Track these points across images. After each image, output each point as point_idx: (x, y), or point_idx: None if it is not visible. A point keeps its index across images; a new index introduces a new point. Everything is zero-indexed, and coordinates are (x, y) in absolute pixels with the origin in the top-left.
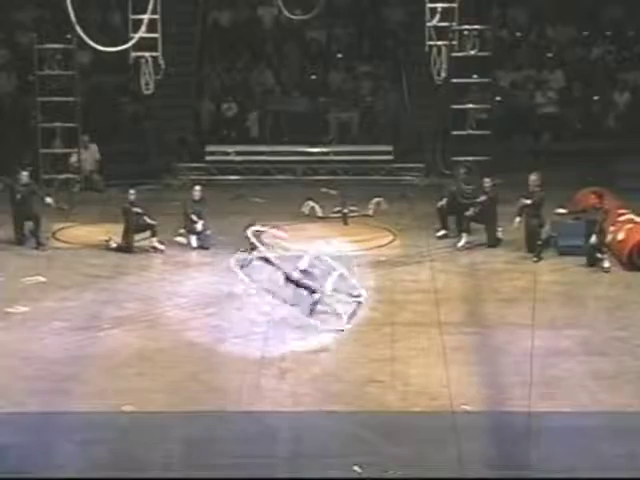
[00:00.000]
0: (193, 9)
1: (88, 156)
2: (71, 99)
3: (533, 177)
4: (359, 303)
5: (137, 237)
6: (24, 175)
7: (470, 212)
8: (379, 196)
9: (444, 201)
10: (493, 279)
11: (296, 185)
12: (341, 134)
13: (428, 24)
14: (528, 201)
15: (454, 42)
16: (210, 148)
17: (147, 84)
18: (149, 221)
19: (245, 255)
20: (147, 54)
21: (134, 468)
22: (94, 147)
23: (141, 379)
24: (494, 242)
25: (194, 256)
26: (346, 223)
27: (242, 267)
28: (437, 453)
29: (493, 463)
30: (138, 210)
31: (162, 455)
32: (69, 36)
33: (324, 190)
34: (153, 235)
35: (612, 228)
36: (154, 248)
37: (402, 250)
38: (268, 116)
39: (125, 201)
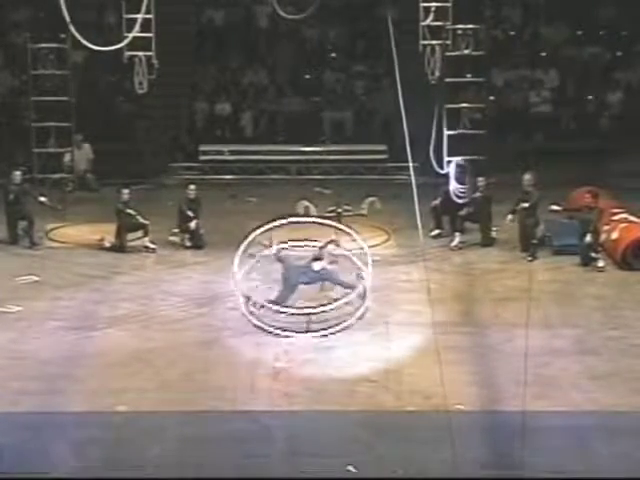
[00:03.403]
0: (187, 9)
1: (81, 156)
2: (65, 98)
3: (527, 177)
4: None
5: (130, 236)
6: (17, 175)
7: (464, 211)
8: (373, 195)
9: (438, 200)
10: (487, 278)
11: (290, 184)
12: (335, 133)
13: (422, 23)
14: (526, 204)
15: (448, 41)
16: (204, 147)
17: (141, 83)
18: (142, 221)
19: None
20: (141, 53)
21: (128, 468)
22: (87, 146)
23: (135, 379)
24: (488, 241)
25: (188, 255)
26: (340, 222)
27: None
28: (431, 452)
29: (487, 462)
30: (131, 211)
31: (156, 455)
32: (63, 35)
33: (318, 189)
34: (145, 235)
35: (606, 227)
36: (146, 247)
37: (396, 249)
38: (262, 115)
39: (118, 201)
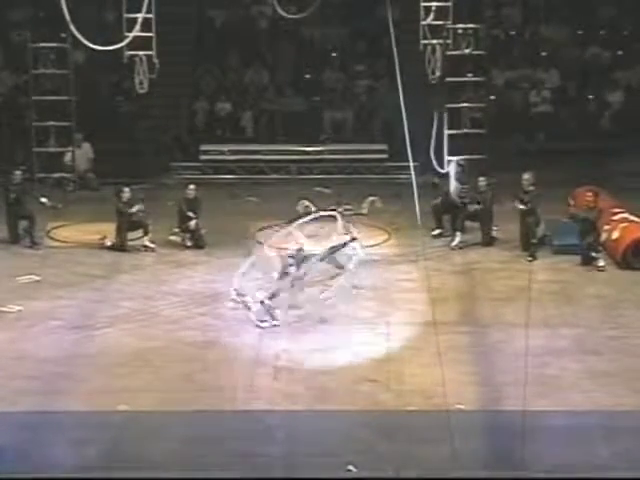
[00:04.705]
0: (187, 9)
1: (81, 155)
2: (65, 98)
3: (526, 176)
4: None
5: (130, 236)
6: (17, 174)
7: (470, 210)
8: (373, 195)
9: (439, 200)
10: (488, 278)
11: (290, 184)
12: (336, 133)
13: (422, 22)
14: (523, 207)
15: (448, 41)
16: (204, 147)
17: (141, 83)
18: (143, 208)
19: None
20: (141, 53)
21: (129, 467)
22: (87, 146)
23: (136, 378)
24: (489, 241)
25: (188, 255)
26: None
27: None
28: (432, 452)
29: (488, 462)
30: (131, 210)
31: (157, 454)
32: (63, 35)
33: (318, 189)
34: (146, 234)
35: (607, 227)
36: (145, 247)
37: (396, 249)
38: (263, 115)
39: (119, 200)
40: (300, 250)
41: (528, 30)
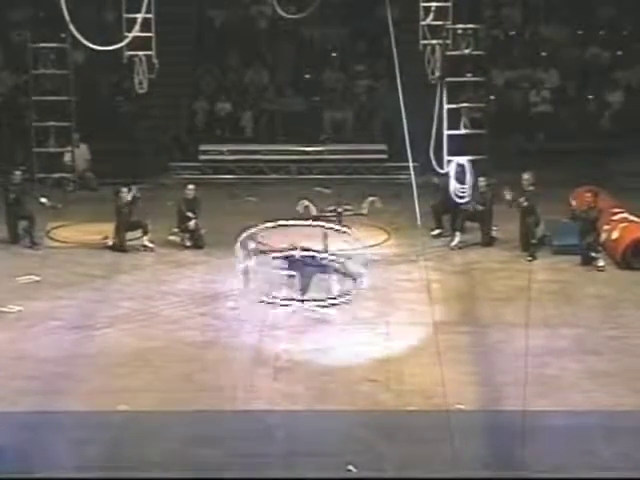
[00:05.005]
0: (187, 9)
1: (79, 156)
2: (65, 98)
3: (526, 176)
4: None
5: (129, 235)
6: (17, 174)
7: (469, 210)
8: (373, 195)
9: (438, 200)
10: (488, 278)
11: (290, 184)
12: (336, 133)
13: (422, 23)
14: (525, 203)
15: (448, 41)
16: (204, 147)
17: (141, 83)
18: (142, 209)
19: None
20: (141, 53)
21: (129, 467)
22: (84, 147)
23: (136, 378)
24: (488, 241)
25: (188, 255)
26: (340, 222)
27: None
28: (432, 452)
29: (488, 462)
30: (130, 208)
31: (157, 454)
32: (63, 35)
33: (318, 189)
34: (145, 234)
35: (606, 227)
36: (144, 247)
37: (396, 249)
38: (262, 115)
39: (120, 200)
40: (307, 249)
41: (528, 30)
